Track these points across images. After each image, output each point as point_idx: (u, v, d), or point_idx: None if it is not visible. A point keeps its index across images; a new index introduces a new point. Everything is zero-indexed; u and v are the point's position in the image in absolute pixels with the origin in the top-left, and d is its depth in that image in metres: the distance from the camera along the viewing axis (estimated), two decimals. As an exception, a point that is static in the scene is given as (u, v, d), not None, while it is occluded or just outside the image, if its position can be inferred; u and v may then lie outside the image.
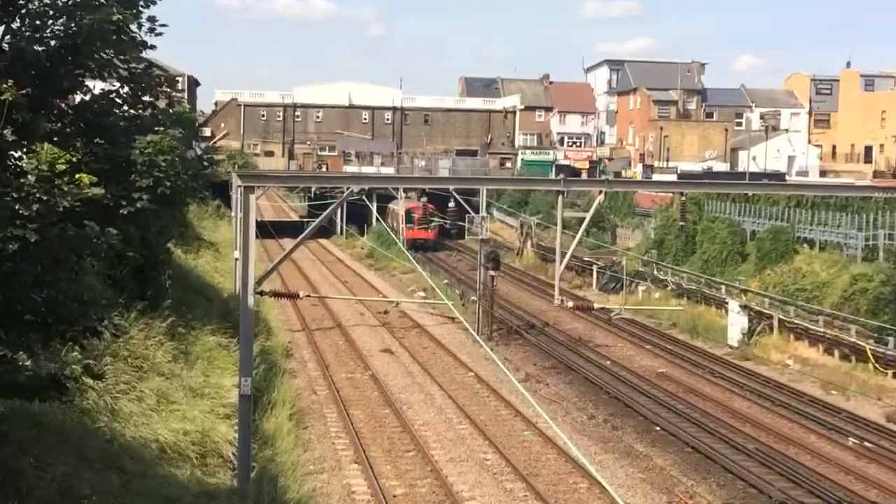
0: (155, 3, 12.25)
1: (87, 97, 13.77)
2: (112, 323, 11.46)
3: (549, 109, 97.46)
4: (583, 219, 22.36)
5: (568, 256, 21.08)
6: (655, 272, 46.57)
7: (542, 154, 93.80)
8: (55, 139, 10.95)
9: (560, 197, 19.82)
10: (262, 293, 17.60)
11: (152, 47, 14.64)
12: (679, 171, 76.44)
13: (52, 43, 11.28)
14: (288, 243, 64.59)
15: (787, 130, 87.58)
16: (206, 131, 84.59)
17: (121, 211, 20.42)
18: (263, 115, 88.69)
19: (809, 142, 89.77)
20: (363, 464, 21.54)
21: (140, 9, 12.11)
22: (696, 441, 24.00)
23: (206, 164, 23.42)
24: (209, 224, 59.61)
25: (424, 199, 69.40)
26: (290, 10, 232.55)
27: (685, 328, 38.53)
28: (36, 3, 11.04)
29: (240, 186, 17.26)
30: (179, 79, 59.00)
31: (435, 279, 48.59)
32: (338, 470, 21.17)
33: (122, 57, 12.81)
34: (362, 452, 22.26)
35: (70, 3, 11.19)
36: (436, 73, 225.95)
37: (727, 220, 47.00)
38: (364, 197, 55.91)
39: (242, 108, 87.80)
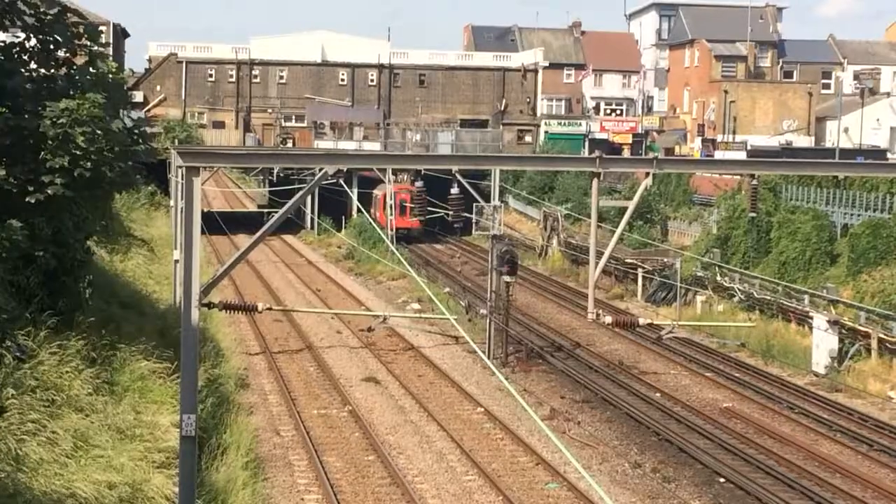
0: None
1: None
2: (15, 343, 11.47)
3: (580, 67, 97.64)
4: (625, 209, 22.34)
5: (605, 257, 21.05)
6: (718, 278, 46.61)
7: (572, 125, 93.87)
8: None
9: (595, 181, 19.80)
10: (209, 305, 17.57)
11: (67, -13, 14.62)
12: (749, 147, 76.43)
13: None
14: (243, 240, 64.77)
15: (888, 94, 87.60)
16: (138, 96, 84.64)
17: (27, 199, 20.44)
18: (211, 75, 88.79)
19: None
20: (340, 526, 21.52)
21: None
22: (770, 497, 24.00)
23: (137, 138, 23.43)
24: (141, 216, 59.69)
25: (420, 182, 69.45)
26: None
27: (757, 350, 38.55)
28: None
29: (181, 167, 17.25)
30: (103, 28, 59.07)
31: (433, 287, 48.62)
32: (308, 534, 21.15)
33: (28, -1, 12.82)
34: (339, 511, 22.24)
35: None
36: (434, 20, 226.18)
37: (811, 210, 46.99)
38: (342, 181, 55.91)
39: (184, 65, 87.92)
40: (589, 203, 23.52)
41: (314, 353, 38.52)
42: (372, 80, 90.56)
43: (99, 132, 20.45)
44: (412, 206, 68.59)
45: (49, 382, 19.49)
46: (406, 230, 68.00)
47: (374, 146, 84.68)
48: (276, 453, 26.55)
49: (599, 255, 21.30)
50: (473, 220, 47.15)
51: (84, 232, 24.34)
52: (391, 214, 65.00)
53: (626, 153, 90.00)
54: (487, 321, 38.70)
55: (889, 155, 71.77)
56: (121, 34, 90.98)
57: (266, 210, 74.87)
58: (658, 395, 33.47)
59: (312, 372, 35.97)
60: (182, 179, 17.92)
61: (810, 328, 37.28)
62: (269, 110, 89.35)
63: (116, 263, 38.43)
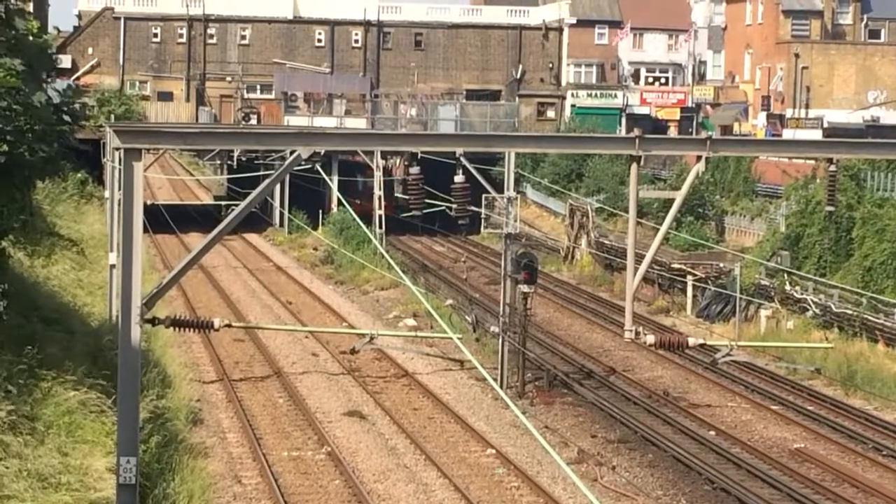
0: None
1: None
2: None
3: (616, 25, 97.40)
4: (671, 201, 22.37)
5: (647, 262, 21.05)
6: (787, 287, 46.56)
7: (606, 97, 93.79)
8: None
9: (634, 166, 19.82)
10: (153, 321, 17.59)
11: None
12: (826, 125, 76.27)
13: None
14: (196, 241, 64.67)
15: None
16: (65, 61, 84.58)
17: (-73, 189, 20.42)
18: (156, 35, 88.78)
19: None
20: None
21: None
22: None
23: (65, 113, 23.44)
24: (69, 210, 59.61)
25: (416, 168, 69.45)
26: None
27: (836, 377, 38.51)
28: None
29: (118, 149, 17.29)
30: (21, -24, 59.07)
31: (433, 298, 48.54)
32: None
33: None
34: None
35: None
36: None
37: (904, 203, 46.96)
38: (319, 167, 55.66)
39: (122, 22, 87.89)
40: (626, 194, 23.54)
41: (284, 381, 38.48)
42: (356, 41, 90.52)
43: (17, 107, 20.46)
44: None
45: (-46, 417, 19.53)
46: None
47: (358, 123, 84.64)
48: (237, 506, 26.55)
49: (639, 258, 21.31)
50: (482, 216, 47.13)
51: (-1, 230, 24.36)
52: (378, 204, 64.95)
53: (673, 132, 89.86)
54: (500, 341, 38.66)
55: None
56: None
57: (224, 203, 74.98)
58: (712, 433, 33.40)
59: (282, 404, 35.93)
60: (120, 164, 17.94)
61: (902, 350, 37.31)
62: (229, 78, 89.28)
63: (38, 269, 38.44)
